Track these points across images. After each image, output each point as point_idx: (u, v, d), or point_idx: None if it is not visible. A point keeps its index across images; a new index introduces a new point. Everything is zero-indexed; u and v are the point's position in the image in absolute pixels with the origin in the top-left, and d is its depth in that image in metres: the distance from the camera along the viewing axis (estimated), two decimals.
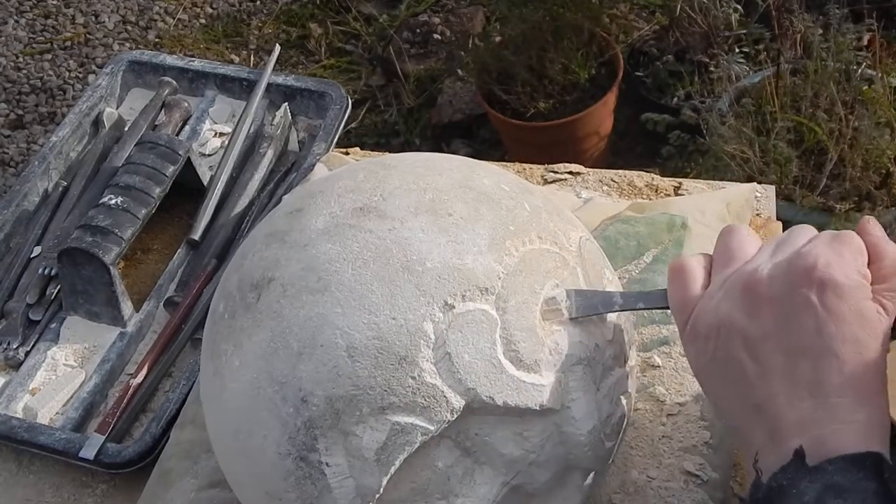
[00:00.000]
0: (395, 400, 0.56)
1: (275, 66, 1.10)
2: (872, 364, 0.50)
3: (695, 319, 0.55)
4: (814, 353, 0.50)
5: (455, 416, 0.57)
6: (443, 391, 0.57)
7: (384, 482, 0.57)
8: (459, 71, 2.11)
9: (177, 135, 1.09)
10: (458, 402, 0.57)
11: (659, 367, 0.77)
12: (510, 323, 0.58)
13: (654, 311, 0.78)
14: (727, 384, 0.54)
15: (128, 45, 2.43)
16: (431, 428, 0.57)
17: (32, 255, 1.00)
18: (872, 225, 0.54)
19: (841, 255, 0.51)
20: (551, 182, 0.95)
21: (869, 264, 0.52)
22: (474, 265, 0.59)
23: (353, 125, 2.14)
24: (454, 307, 0.57)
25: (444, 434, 0.58)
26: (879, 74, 1.62)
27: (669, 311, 0.59)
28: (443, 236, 0.59)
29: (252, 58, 2.35)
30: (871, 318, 0.50)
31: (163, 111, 1.10)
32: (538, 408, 0.59)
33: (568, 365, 0.60)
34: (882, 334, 0.50)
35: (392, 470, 0.57)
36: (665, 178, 0.94)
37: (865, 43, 1.76)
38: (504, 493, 0.60)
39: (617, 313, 0.63)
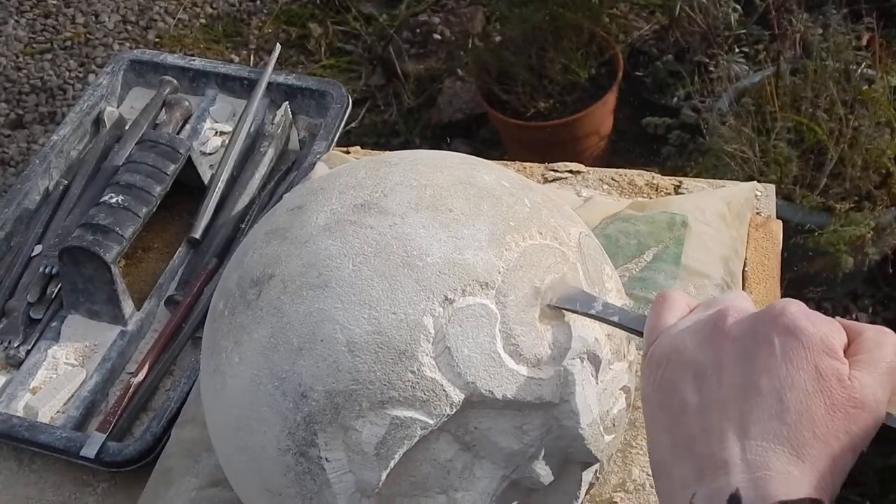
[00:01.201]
0: (395, 394, 0.56)
1: (275, 65, 1.10)
2: (819, 424, 0.46)
3: (655, 346, 0.53)
4: (758, 392, 0.47)
5: (454, 410, 0.57)
6: (442, 385, 0.57)
7: (384, 476, 0.57)
8: (459, 71, 2.11)
9: (178, 134, 1.09)
10: (457, 396, 0.57)
11: None
12: (510, 317, 0.58)
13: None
14: (664, 414, 0.50)
15: (128, 44, 2.43)
16: (431, 422, 0.57)
17: (33, 254, 1.00)
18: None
19: (818, 317, 0.49)
20: (552, 181, 0.95)
21: (848, 345, 0.49)
22: (474, 260, 0.59)
23: (353, 125, 2.14)
24: (454, 302, 0.57)
25: (444, 428, 0.58)
26: (879, 74, 1.62)
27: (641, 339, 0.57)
28: (443, 232, 0.59)
29: (252, 58, 2.35)
30: (827, 377, 0.46)
31: (164, 110, 1.10)
32: (537, 401, 0.59)
33: (567, 359, 0.60)
34: (843, 404, 0.46)
35: (391, 464, 0.57)
36: (665, 177, 0.94)
37: (865, 43, 1.76)
38: (504, 487, 0.60)
39: (629, 300, 0.63)
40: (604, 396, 0.62)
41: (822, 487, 0.45)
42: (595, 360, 0.61)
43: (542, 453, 0.60)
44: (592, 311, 0.60)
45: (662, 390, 0.50)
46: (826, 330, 0.48)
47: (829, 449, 0.46)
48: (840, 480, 0.46)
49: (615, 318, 0.60)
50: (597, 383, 0.62)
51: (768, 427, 0.46)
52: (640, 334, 0.56)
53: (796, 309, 0.48)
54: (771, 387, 0.47)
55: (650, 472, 0.71)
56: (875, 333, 0.49)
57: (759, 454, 0.45)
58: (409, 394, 0.56)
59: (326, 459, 0.57)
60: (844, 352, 0.48)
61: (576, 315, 0.61)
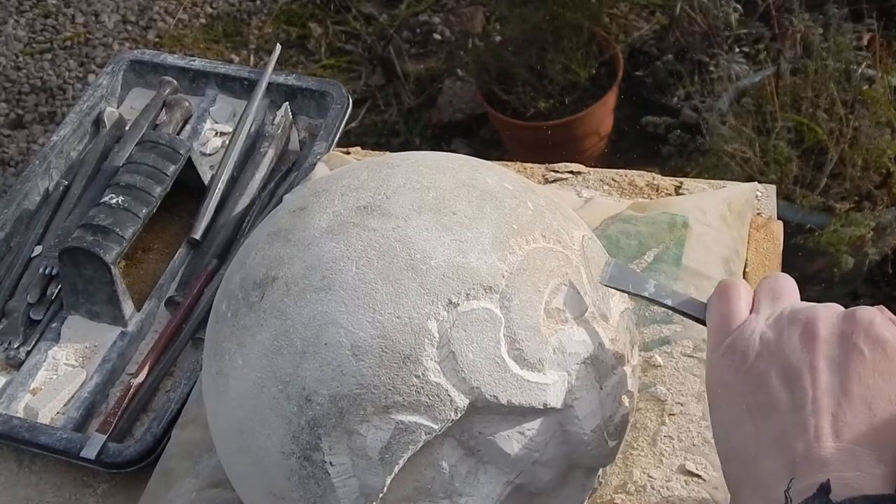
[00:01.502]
0: (399, 399, 0.56)
1: (275, 65, 1.10)
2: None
3: (735, 337, 0.55)
4: (850, 398, 0.51)
5: (459, 415, 0.57)
6: (447, 390, 0.57)
7: (388, 481, 0.57)
8: (459, 71, 2.11)
9: (178, 134, 1.09)
10: (462, 401, 0.57)
11: (660, 366, 0.77)
12: (514, 321, 0.58)
13: (666, 311, 0.78)
14: (749, 404, 0.53)
15: (128, 44, 2.43)
16: (435, 427, 0.57)
17: (33, 255, 1.00)
18: None
19: (892, 320, 0.53)
20: (552, 181, 0.95)
21: None
22: (478, 264, 0.59)
23: (353, 125, 2.14)
24: (458, 306, 0.57)
25: (448, 433, 0.58)
26: (879, 74, 1.62)
27: (688, 322, 0.59)
28: (446, 235, 0.59)
29: (252, 58, 2.35)
30: None
31: (164, 110, 1.10)
32: (542, 407, 0.59)
33: (572, 364, 0.60)
34: None
35: (396, 469, 0.57)
36: (666, 178, 0.94)
37: (865, 42, 1.76)
38: (508, 492, 0.60)
39: (630, 304, 0.64)
40: (608, 402, 0.62)
41: None
42: (599, 366, 0.61)
43: (547, 458, 0.60)
44: (646, 294, 0.61)
45: (749, 381, 0.53)
46: None
47: None
48: None
49: (668, 301, 0.60)
50: (601, 388, 0.62)
51: (859, 431, 0.50)
52: (697, 320, 0.59)
53: (882, 320, 0.52)
54: (861, 394, 0.51)
55: (650, 474, 0.72)
56: None
57: (850, 455, 0.49)
58: (414, 398, 0.56)
59: (330, 464, 0.57)
60: None
61: (579, 319, 0.61)
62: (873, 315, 0.53)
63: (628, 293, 0.62)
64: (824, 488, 0.49)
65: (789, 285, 0.58)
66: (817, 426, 0.50)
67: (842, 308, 0.55)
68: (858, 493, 0.48)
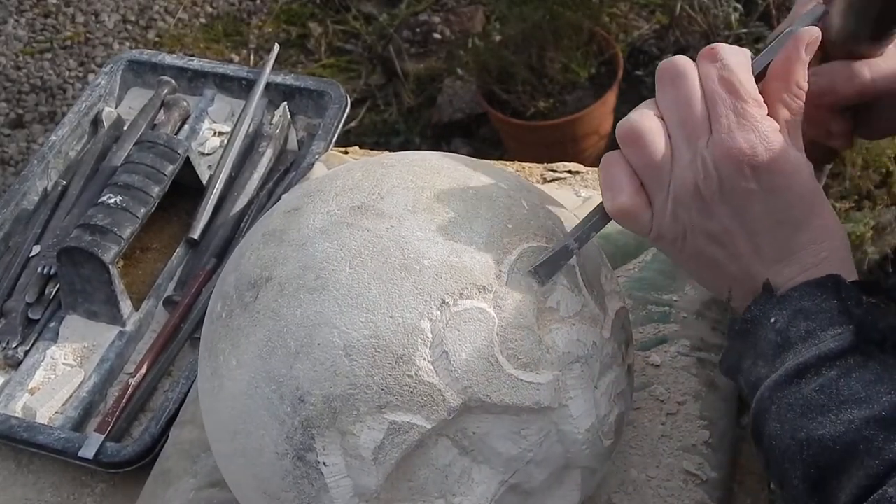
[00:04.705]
0: (393, 399, 0.56)
1: (274, 65, 1.10)
2: (816, 194, 0.58)
3: (658, 232, 0.60)
4: (771, 228, 0.57)
5: (452, 414, 0.57)
6: (440, 390, 0.57)
7: (382, 481, 0.57)
8: (459, 70, 2.11)
9: (176, 134, 1.09)
10: (455, 401, 0.57)
11: (658, 366, 0.77)
12: (508, 321, 0.58)
13: (665, 311, 0.79)
14: (702, 268, 0.61)
15: (128, 44, 2.43)
16: (429, 427, 0.57)
17: (31, 254, 1.00)
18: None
19: (744, 116, 0.56)
20: (551, 181, 0.95)
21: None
22: (472, 263, 0.59)
23: (352, 124, 2.14)
24: (451, 306, 0.57)
25: (442, 433, 0.58)
26: None
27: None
28: (440, 234, 0.59)
29: (252, 57, 2.35)
30: (797, 163, 0.57)
31: (162, 110, 1.10)
32: (536, 406, 0.58)
33: (565, 363, 0.60)
34: (795, 147, 0.57)
35: (389, 469, 0.57)
36: None
37: None
38: (502, 492, 0.60)
39: (626, 303, 0.64)
40: (602, 401, 0.62)
41: (843, 254, 0.59)
42: (593, 365, 0.61)
43: (541, 458, 0.60)
44: (574, 252, 0.61)
45: (690, 256, 0.60)
46: (770, 130, 0.57)
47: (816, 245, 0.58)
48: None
49: (593, 234, 0.62)
50: (595, 388, 0.61)
51: (795, 242, 0.58)
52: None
53: (748, 145, 0.56)
54: (776, 221, 0.57)
55: (648, 474, 0.72)
56: None
57: (796, 264, 0.58)
58: (407, 398, 0.56)
59: (324, 464, 0.57)
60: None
61: (573, 318, 0.61)
62: (739, 145, 0.56)
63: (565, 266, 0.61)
64: (766, 287, 0.58)
65: (684, 92, 0.59)
66: (759, 262, 0.58)
67: (696, 122, 0.58)
68: (798, 282, 0.57)
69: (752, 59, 0.60)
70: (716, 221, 0.58)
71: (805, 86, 0.58)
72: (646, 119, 0.59)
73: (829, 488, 0.53)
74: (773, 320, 0.57)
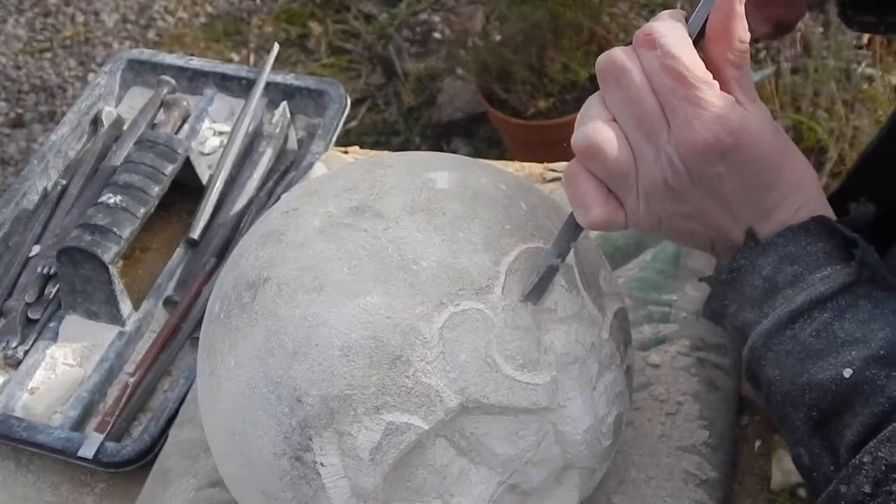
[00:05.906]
0: (390, 399, 0.56)
1: (275, 64, 1.10)
2: (781, 146, 0.57)
3: (634, 224, 0.60)
4: (744, 196, 0.57)
5: (450, 415, 0.57)
6: (437, 390, 0.57)
7: (379, 482, 0.57)
8: (459, 70, 2.11)
9: (176, 134, 1.09)
10: (452, 402, 0.57)
11: (658, 366, 0.77)
12: (505, 322, 0.58)
13: (664, 311, 0.79)
14: (682, 239, 0.62)
15: (128, 43, 2.43)
16: (426, 427, 0.57)
17: (31, 254, 1.00)
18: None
19: (698, 104, 0.54)
20: (551, 181, 0.95)
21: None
22: (469, 264, 0.59)
23: (352, 124, 2.14)
24: (449, 306, 0.57)
25: (439, 433, 0.58)
26: (879, 73, 1.62)
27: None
28: (438, 235, 0.59)
29: (252, 56, 2.35)
30: (758, 126, 0.55)
31: (162, 110, 1.10)
32: (533, 407, 0.58)
33: (563, 364, 0.60)
34: (749, 100, 0.56)
35: (387, 469, 0.57)
36: None
37: (865, 41, 1.76)
38: (500, 493, 0.60)
39: (624, 303, 0.64)
40: (601, 402, 0.62)
41: (820, 197, 0.59)
42: (592, 366, 0.61)
43: (539, 459, 0.60)
44: (558, 265, 0.60)
45: (668, 231, 0.60)
46: (724, 106, 0.55)
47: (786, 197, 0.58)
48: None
49: (572, 246, 0.61)
50: (593, 388, 0.61)
51: (770, 204, 0.57)
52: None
53: (710, 132, 0.54)
54: (751, 193, 0.57)
55: (648, 474, 0.72)
56: None
57: (774, 223, 0.58)
58: (405, 399, 0.56)
59: (322, 464, 0.57)
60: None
61: (571, 319, 0.60)
62: (700, 135, 0.54)
63: (552, 278, 0.60)
64: (750, 234, 0.58)
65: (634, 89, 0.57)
66: (738, 229, 0.58)
67: (652, 116, 0.56)
68: (780, 228, 0.57)
69: (688, 20, 0.57)
70: (689, 204, 0.58)
71: (747, 37, 0.56)
72: (600, 130, 0.56)
73: (834, 427, 0.54)
74: (760, 269, 0.57)
